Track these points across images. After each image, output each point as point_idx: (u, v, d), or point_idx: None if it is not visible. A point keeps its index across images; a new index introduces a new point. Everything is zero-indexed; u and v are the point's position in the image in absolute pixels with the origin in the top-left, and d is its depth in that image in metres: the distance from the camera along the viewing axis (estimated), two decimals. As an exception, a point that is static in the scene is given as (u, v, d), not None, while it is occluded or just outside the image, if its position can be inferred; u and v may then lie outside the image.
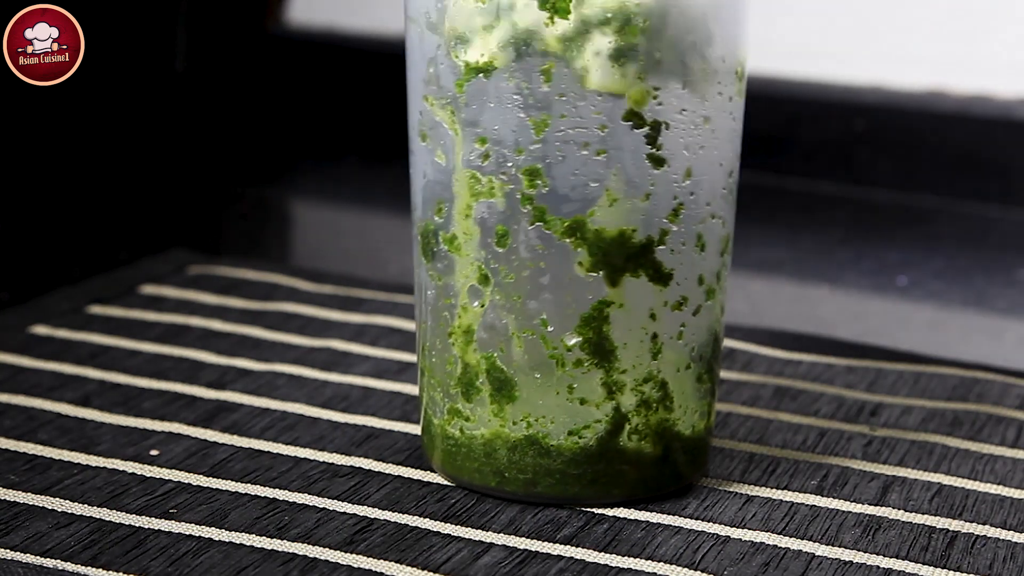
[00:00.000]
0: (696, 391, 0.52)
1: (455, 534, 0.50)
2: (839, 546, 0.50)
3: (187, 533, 0.49)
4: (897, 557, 0.49)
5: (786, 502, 0.52)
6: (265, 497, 0.52)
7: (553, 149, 0.49)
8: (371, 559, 0.48)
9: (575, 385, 0.50)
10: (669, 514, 0.51)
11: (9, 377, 0.60)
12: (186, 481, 0.53)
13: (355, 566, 0.48)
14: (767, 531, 0.51)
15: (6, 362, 0.62)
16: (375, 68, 1.00)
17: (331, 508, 0.51)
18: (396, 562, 0.48)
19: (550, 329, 0.50)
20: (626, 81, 0.49)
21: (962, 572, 0.49)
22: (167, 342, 0.64)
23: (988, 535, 0.51)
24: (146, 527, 0.50)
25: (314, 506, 0.51)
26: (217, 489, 0.52)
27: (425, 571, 0.48)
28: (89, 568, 0.47)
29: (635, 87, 0.49)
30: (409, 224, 0.53)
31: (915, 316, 0.75)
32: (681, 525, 0.51)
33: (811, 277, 0.80)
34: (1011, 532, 0.51)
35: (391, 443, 0.56)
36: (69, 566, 0.47)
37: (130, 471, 0.53)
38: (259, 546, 0.49)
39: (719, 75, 0.50)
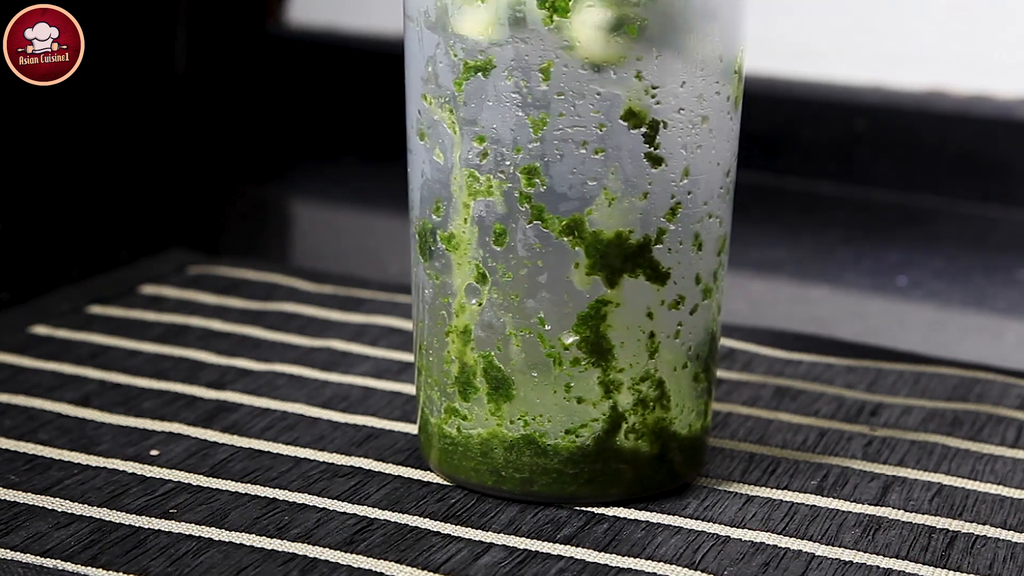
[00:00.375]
0: (693, 390, 0.52)
1: (455, 534, 0.50)
2: (839, 546, 0.50)
3: (187, 533, 0.49)
4: (897, 557, 0.49)
5: (786, 502, 0.52)
6: (265, 497, 0.52)
7: (551, 148, 0.49)
8: (371, 559, 0.48)
9: (572, 384, 0.50)
10: (669, 514, 0.51)
11: (9, 377, 0.60)
12: (186, 481, 0.53)
13: (355, 566, 0.48)
14: (767, 531, 0.51)
15: (6, 362, 0.62)
16: (375, 68, 1.00)
17: (331, 508, 0.51)
18: (396, 562, 0.48)
19: (547, 328, 0.50)
20: (617, 51, 0.48)
21: (962, 572, 0.48)
22: (167, 342, 0.64)
23: (988, 535, 0.51)
24: (146, 527, 0.50)
25: (314, 506, 0.51)
26: (217, 489, 0.52)
27: (425, 571, 0.48)
28: (89, 568, 0.47)
29: (622, 54, 0.48)
30: (409, 223, 0.53)
31: (915, 316, 0.75)
32: (681, 525, 0.51)
33: (811, 277, 0.80)
34: (1011, 532, 0.51)
35: (391, 443, 0.56)
36: (69, 566, 0.47)
37: (130, 471, 0.53)
38: (259, 546, 0.49)
39: (712, 58, 0.50)
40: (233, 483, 0.53)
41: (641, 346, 0.51)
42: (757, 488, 0.53)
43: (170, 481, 0.53)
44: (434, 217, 0.51)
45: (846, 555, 0.49)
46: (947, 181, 0.90)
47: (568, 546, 0.49)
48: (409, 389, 0.60)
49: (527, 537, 0.50)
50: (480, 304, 0.51)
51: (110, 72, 0.98)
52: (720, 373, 0.62)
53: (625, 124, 0.49)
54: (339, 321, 0.67)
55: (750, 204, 0.75)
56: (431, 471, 0.54)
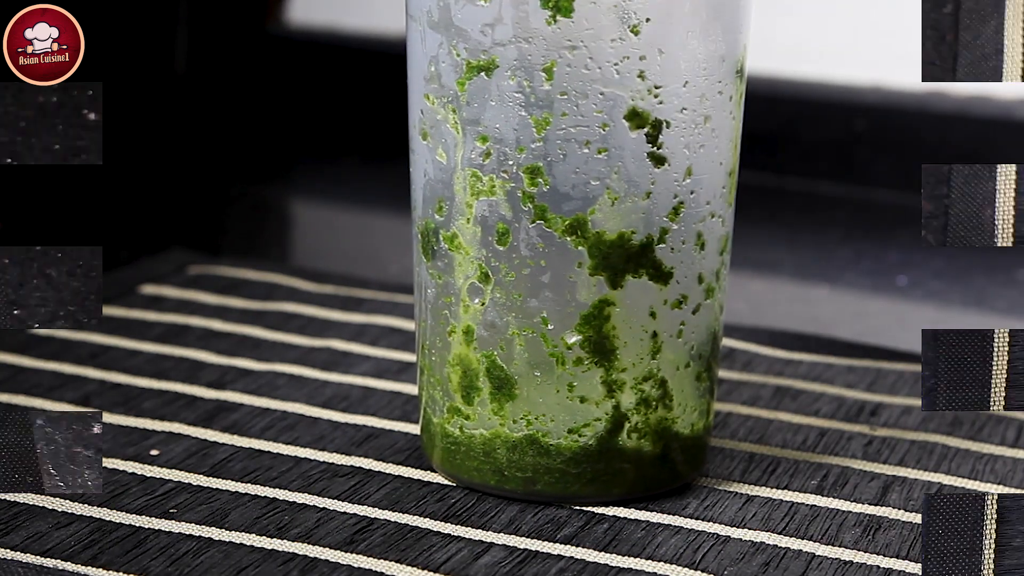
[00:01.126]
0: (695, 390, 0.52)
1: (455, 534, 0.50)
2: (839, 546, 0.50)
3: (187, 533, 0.49)
4: (897, 557, 0.49)
5: (786, 502, 0.52)
6: (265, 497, 0.52)
7: (554, 147, 0.49)
8: (371, 559, 0.48)
9: (575, 383, 0.50)
10: (669, 514, 0.51)
11: (9, 377, 0.60)
12: (186, 481, 0.53)
13: (355, 566, 0.48)
14: (767, 531, 0.51)
15: (6, 362, 0.62)
16: (375, 68, 1.00)
17: (331, 508, 0.51)
18: (396, 562, 0.48)
19: (550, 327, 0.50)
20: None
21: (962, 572, 0.49)
22: (167, 342, 0.64)
23: (988, 535, 0.51)
24: (146, 527, 0.50)
25: (314, 506, 0.51)
26: (217, 489, 0.52)
27: (425, 571, 0.48)
28: (89, 568, 0.47)
29: None
30: (409, 223, 0.53)
31: (915, 316, 0.75)
32: (681, 525, 0.51)
33: (811, 277, 0.80)
34: (1011, 532, 0.51)
35: (391, 443, 0.56)
36: (69, 566, 0.47)
37: (130, 471, 0.53)
38: (259, 546, 0.49)
39: (715, 57, 0.50)
40: (233, 483, 0.53)
41: (644, 346, 0.51)
42: (757, 488, 0.53)
43: (170, 481, 0.53)
44: (437, 217, 0.51)
45: (846, 555, 0.49)
46: (947, 181, 0.90)
47: (568, 546, 0.49)
48: (409, 389, 0.60)
49: (527, 537, 0.50)
50: (483, 304, 0.51)
51: (110, 72, 0.98)
52: (720, 373, 0.62)
53: (628, 124, 0.49)
54: (339, 321, 0.67)
55: (751, 204, 0.75)
56: (432, 471, 0.54)
